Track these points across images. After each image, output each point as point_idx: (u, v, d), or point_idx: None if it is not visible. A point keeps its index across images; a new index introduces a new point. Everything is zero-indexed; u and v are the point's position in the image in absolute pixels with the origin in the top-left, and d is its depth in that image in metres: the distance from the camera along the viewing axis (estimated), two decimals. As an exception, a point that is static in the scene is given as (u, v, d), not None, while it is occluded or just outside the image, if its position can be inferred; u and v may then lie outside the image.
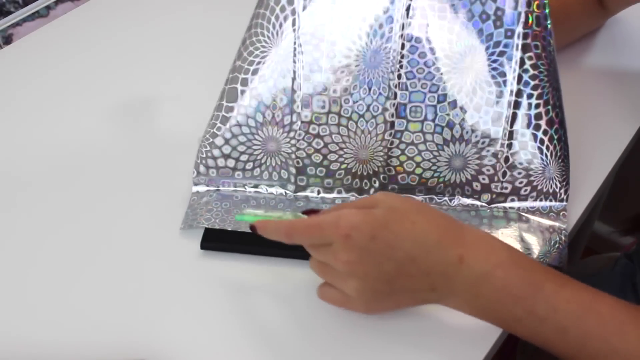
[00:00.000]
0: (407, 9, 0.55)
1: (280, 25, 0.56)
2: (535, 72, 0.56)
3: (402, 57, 0.56)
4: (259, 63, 0.57)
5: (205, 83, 0.67)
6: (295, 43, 0.56)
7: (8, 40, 0.81)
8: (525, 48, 0.55)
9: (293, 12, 0.55)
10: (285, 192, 0.62)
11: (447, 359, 0.52)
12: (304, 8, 0.55)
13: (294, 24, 0.56)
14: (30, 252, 0.60)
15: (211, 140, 0.60)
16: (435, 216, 0.50)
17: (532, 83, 0.56)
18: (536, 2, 0.53)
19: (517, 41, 0.55)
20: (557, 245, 0.57)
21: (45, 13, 0.84)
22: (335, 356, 0.53)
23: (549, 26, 0.54)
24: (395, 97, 0.57)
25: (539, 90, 0.56)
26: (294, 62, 0.57)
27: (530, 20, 0.54)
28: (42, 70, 0.77)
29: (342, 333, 0.54)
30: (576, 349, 0.48)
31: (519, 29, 0.54)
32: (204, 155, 0.61)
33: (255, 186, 0.63)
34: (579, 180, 0.63)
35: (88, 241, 0.60)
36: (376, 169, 0.61)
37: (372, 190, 0.61)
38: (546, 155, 0.58)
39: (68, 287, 0.57)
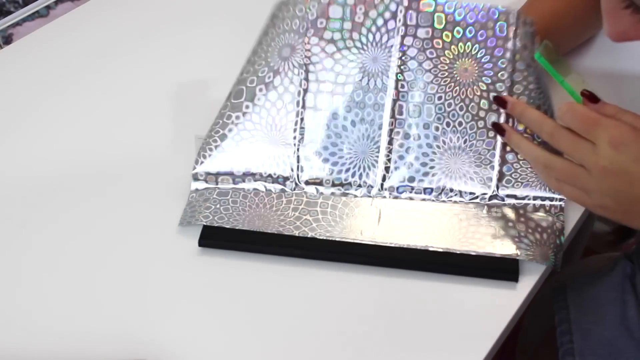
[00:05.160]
0: (405, 29, 0.59)
1: (293, 49, 0.60)
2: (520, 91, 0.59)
3: (402, 71, 0.60)
4: (268, 78, 0.60)
5: (205, 81, 0.67)
6: (302, 68, 0.60)
7: (8, 40, 0.81)
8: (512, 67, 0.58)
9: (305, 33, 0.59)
10: (284, 190, 0.63)
11: (448, 359, 0.52)
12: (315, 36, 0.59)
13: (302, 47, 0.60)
14: (26, 251, 0.60)
15: (209, 140, 0.61)
16: None
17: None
18: (523, 19, 0.57)
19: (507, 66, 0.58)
20: (553, 248, 0.57)
21: (45, 13, 0.84)
22: (335, 354, 0.53)
23: (535, 42, 0.58)
24: (394, 115, 0.61)
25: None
26: (305, 81, 0.60)
27: (516, 37, 0.58)
28: (42, 70, 0.77)
29: (342, 331, 0.54)
30: None
31: (509, 46, 0.58)
32: (204, 153, 0.62)
33: (254, 183, 0.63)
34: (579, 180, 0.63)
35: (85, 239, 0.61)
36: (374, 167, 0.62)
37: (368, 185, 0.62)
38: None
39: (66, 287, 0.57)
